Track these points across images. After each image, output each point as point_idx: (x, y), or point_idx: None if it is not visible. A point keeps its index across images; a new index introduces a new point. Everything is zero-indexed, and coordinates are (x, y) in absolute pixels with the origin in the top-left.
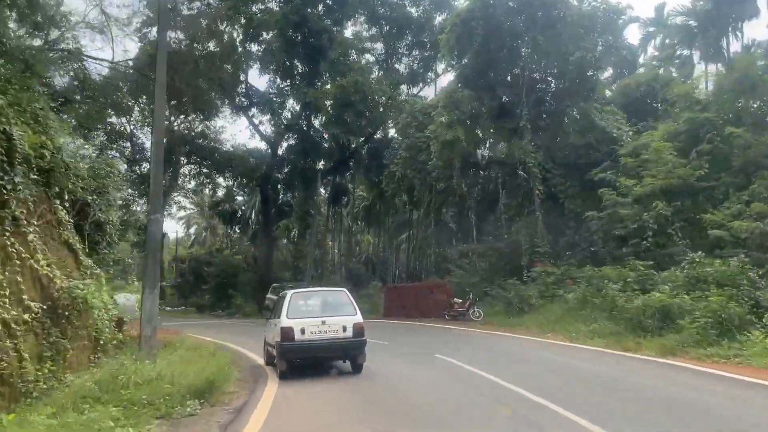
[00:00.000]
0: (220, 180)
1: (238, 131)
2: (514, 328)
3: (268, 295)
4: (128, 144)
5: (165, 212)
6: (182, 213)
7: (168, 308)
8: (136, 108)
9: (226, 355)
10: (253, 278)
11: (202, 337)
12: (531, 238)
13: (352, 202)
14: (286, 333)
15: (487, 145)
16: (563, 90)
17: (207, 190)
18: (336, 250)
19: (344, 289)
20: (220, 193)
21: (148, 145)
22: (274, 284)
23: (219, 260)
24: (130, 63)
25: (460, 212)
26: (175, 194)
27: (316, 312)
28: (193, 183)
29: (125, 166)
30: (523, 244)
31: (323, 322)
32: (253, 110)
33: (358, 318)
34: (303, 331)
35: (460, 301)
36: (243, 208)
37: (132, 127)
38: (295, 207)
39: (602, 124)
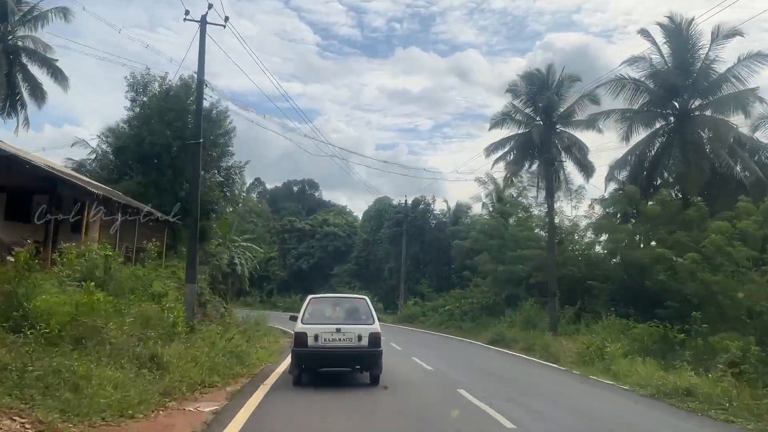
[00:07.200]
0: None
1: None
2: None
3: None
4: None
5: None
6: None
7: None
8: None
9: None
10: None
11: None
12: None
13: None
14: (299, 338)
15: None
16: None
17: None
18: None
19: (365, 297)
20: None
21: None
22: None
23: None
24: None
25: None
26: None
27: (333, 319)
28: None
29: None
30: None
31: (338, 330)
32: None
33: (375, 327)
34: (317, 338)
35: None
36: None
37: None
38: None
39: None
